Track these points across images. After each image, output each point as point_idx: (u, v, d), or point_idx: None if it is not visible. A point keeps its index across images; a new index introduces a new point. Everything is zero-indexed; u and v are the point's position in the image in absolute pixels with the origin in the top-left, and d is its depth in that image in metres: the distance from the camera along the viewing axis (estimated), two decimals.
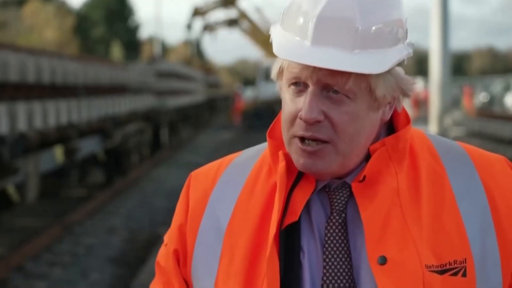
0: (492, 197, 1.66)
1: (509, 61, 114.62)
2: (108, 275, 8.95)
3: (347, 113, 1.60)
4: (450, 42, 22.86)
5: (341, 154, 1.62)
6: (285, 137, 1.66)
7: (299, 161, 1.63)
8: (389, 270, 1.59)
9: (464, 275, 1.60)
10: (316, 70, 1.58)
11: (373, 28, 1.58)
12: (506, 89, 36.54)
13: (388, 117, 1.68)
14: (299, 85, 1.62)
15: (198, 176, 1.82)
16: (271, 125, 1.74)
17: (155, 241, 10.30)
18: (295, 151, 1.64)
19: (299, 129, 1.62)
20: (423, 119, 30.22)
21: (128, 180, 16.34)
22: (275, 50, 1.62)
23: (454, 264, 1.60)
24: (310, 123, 1.60)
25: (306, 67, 1.59)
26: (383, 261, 1.59)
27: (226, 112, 47.29)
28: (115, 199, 14.18)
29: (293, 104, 1.63)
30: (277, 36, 1.64)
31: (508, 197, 1.67)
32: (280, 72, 1.67)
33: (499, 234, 1.64)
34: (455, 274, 1.60)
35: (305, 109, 1.59)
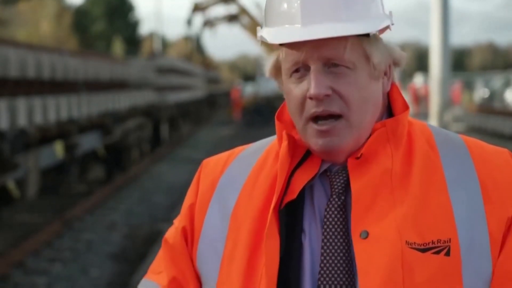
0: (485, 185, 1.68)
1: (510, 56, 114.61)
2: (108, 271, 8.96)
3: (351, 84, 1.65)
4: (450, 38, 22.84)
5: (354, 127, 1.67)
6: (299, 126, 1.70)
7: (317, 143, 1.67)
8: (369, 244, 1.62)
9: (447, 254, 1.62)
10: (314, 47, 1.64)
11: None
12: (506, 85, 36.52)
13: (388, 88, 1.73)
14: (299, 70, 1.67)
15: (209, 164, 1.87)
16: (279, 109, 1.78)
17: (155, 237, 10.30)
18: (311, 134, 1.68)
19: (310, 108, 1.66)
20: (424, 115, 30.20)
21: (128, 176, 16.34)
22: (269, 39, 1.68)
23: (437, 243, 1.62)
24: (320, 99, 1.64)
25: (305, 48, 1.64)
26: (365, 235, 1.63)
27: (226, 108, 47.29)
28: (115, 195, 14.18)
29: (298, 89, 1.68)
30: (266, 32, 1.70)
31: (501, 186, 1.68)
32: (277, 67, 1.72)
33: (489, 220, 1.65)
34: (437, 252, 1.62)
35: (312, 86, 1.64)
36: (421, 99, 39.33)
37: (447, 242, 1.62)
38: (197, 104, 36.22)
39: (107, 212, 12.50)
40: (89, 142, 13.99)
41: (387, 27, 1.70)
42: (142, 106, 19.67)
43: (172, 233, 1.85)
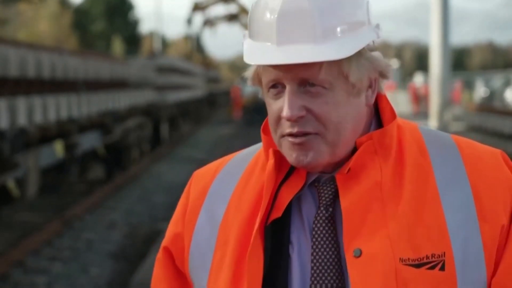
0: (477, 191, 1.65)
1: (510, 56, 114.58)
2: (108, 270, 8.96)
3: (327, 103, 1.62)
4: (450, 37, 22.85)
5: (330, 144, 1.64)
6: (275, 139, 1.68)
7: (291, 156, 1.65)
8: (362, 263, 1.60)
9: (442, 268, 1.59)
10: (288, 68, 1.61)
11: (332, 15, 1.60)
12: (506, 84, 36.51)
13: (372, 101, 1.69)
14: (277, 86, 1.65)
15: (200, 174, 1.86)
16: (265, 121, 1.76)
17: (155, 237, 10.30)
18: (286, 147, 1.66)
19: (285, 128, 1.64)
20: (424, 114, 30.20)
21: (128, 175, 16.34)
22: (244, 58, 1.66)
23: (432, 258, 1.60)
24: (293, 120, 1.62)
25: (279, 67, 1.61)
26: (358, 253, 1.60)
27: (226, 107, 47.28)
28: (115, 194, 14.18)
29: (275, 105, 1.66)
30: (246, 45, 1.68)
31: (493, 191, 1.65)
32: (258, 78, 1.70)
33: (482, 229, 1.63)
34: (432, 267, 1.59)
35: (285, 108, 1.62)
36: (421, 99, 39.33)
37: (442, 257, 1.60)
38: (197, 103, 36.21)
39: (107, 211, 12.50)
40: (89, 141, 13.99)
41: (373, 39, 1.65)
42: (142, 106, 19.67)
43: (159, 252, 1.88)
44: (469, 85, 44.35)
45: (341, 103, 1.63)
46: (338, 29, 1.60)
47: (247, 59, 1.65)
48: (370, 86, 1.68)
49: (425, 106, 31.89)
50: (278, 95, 1.65)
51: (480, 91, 39.91)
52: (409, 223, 1.62)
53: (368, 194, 1.63)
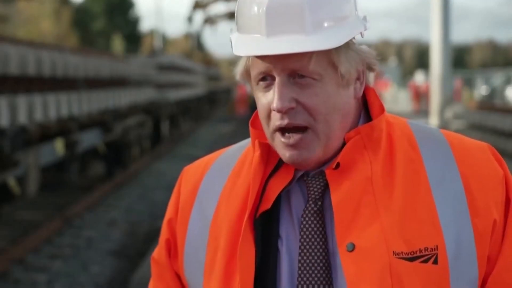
0: (469, 186, 1.66)
1: (510, 54, 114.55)
2: (108, 268, 8.96)
3: (317, 94, 1.62)
4: (451, 35, 22.82)
5: (322, 138, 1.64)
6: (267, 133, 1.68)
7: (285, 155, 1.65)
8: (356, 257, 1.60)
9: (435, 262, 1.60)
10: (278, 59, 1.60)
11: (321, 8, 1.60)
12: (507, 82, 36.49)
13: (360, 93, 1.70)
14: (266, 79, 1.64)
15: (190, 171, 1.86)
16: (253, 115, 1.76)
17: (155, 234, 10.30)
18: (279, 145, 1.66)
19: (276, 120, 1.64)
20: (424, 112, 30.19)
21: (129, 173, 16.34)
22: (234, 50, 1.65)
23: (425, 251, 1.61)
24: (283, 112, 1.62)
25: (268, 59, 1.61)
26: (351, 247, 1.61)
27: (226, 105, 47.27)
28: (115, 192, 14.18)
29: (264, 98, 1.65)
30: (234, 39, 1.67)
31: (484, 186, 1.66)
32: (247, 72, 1.69)
33: (474, 223, 1.63)
34: (425, 261, 1.60)
35: (275, 99, 1.61)
36: (421, 97, 39.33)
37: (435, 250, 1.61)
38: (198, 101, 36.21)
39: (107, 209, 12.50)
40: (90, 139, 13.98)
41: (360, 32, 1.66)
42: (142, 104, 19.66)
43: (156, 249, 1.86)
44: (469, 83, 44.33)
45: (330, 94, 1.63)
46: (326, 22, 1.60)
47: (237, 51, 1.64)
48: (358, 78, 1.69)
49: (426, 104, 31.87)
50: (267, 88, 1.65)
51: (481, 89, 39.90)
52: (402, 217, 1.62)
53: (359, 189, 1.64)
